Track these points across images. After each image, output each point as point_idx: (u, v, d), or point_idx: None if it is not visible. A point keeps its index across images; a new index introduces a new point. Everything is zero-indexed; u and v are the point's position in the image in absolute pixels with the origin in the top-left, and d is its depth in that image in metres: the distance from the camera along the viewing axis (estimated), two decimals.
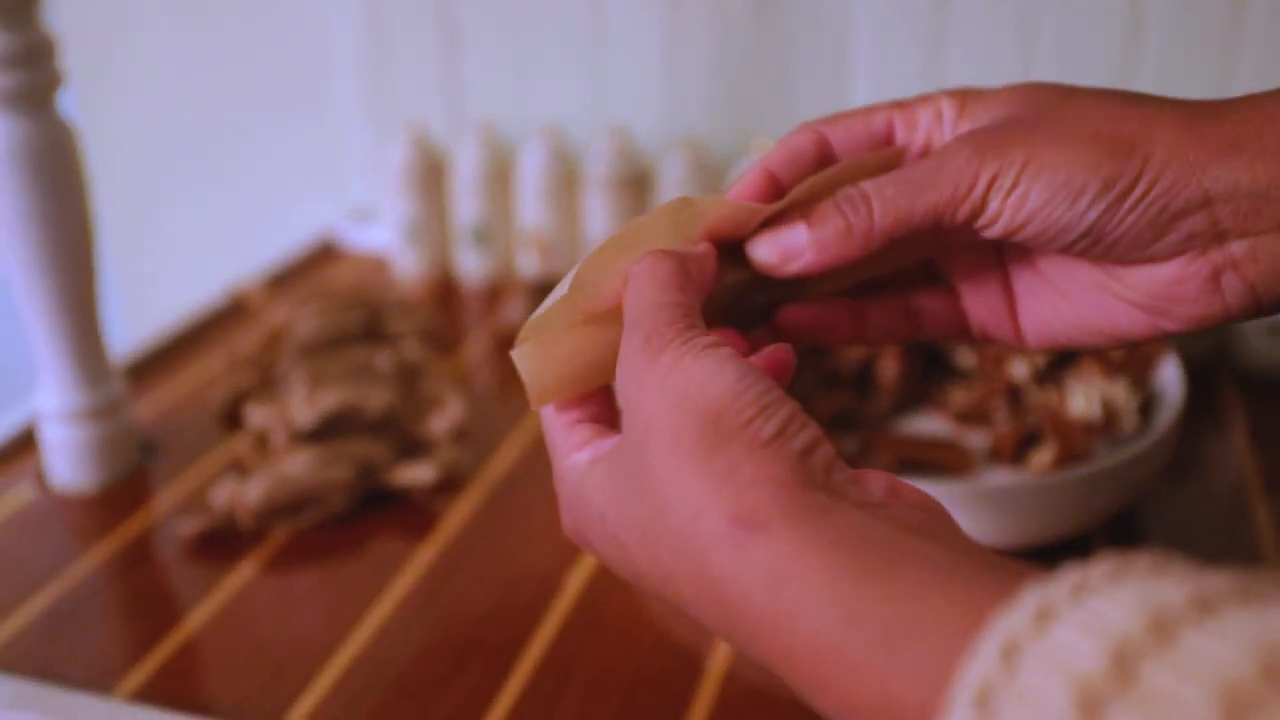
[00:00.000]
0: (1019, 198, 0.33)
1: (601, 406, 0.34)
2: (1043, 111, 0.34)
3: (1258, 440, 0.67)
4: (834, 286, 0.38)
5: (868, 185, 0.34)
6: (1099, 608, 0.20)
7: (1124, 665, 0.19)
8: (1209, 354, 0.74)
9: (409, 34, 0.91)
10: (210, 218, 1.08)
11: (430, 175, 0.86)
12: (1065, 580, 0.21)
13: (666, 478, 0.28)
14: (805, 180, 0.35)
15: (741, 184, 0.36)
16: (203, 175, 1.06)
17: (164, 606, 0.55)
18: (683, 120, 0.86)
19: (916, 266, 0.39)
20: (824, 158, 0.37)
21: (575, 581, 0.55)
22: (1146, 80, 0.74)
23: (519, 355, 0.32)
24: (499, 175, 0.86)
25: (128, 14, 1.02)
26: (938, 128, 0.36)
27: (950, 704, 0.21)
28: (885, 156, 0.37)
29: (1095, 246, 0.34)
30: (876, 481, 0.28)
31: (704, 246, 0.33)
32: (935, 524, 0.27)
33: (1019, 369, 0.62)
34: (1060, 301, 0.37)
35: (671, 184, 0.80)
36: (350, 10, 0.92)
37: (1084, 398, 0.57)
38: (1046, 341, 0.38)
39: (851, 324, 0.38)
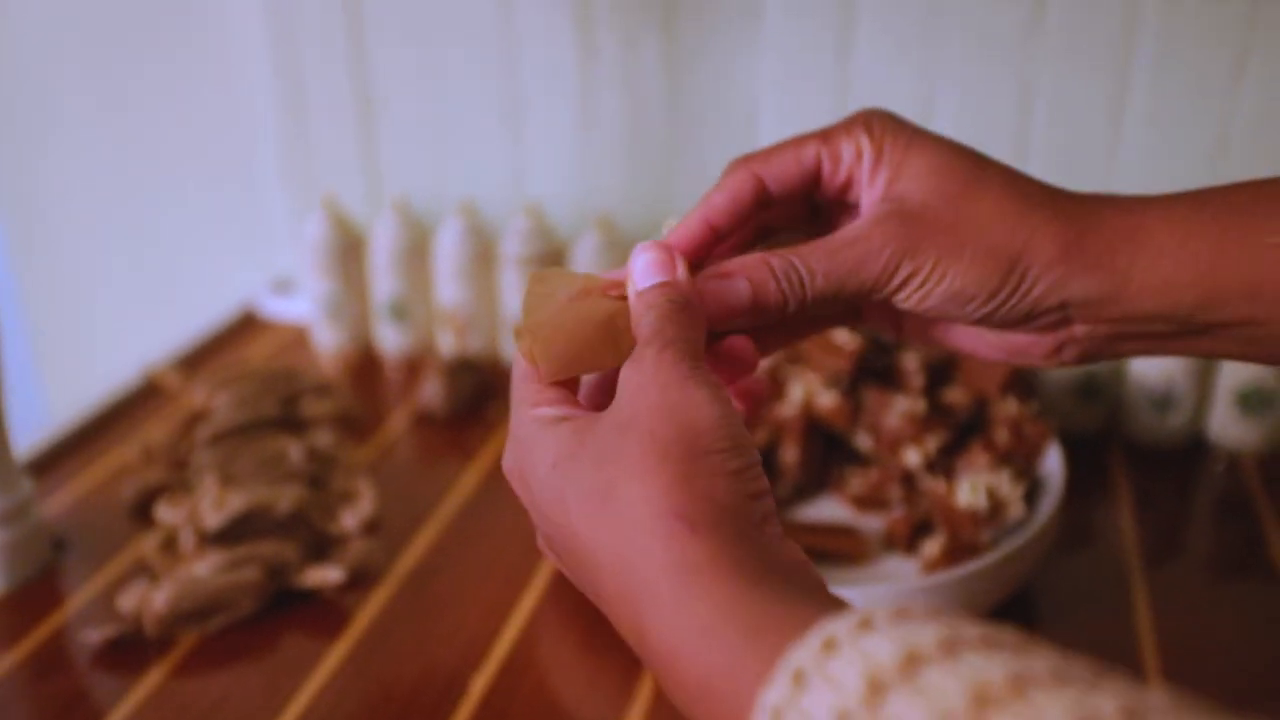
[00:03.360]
0: (925, 295, 0.40)
1: (574, 381, 0.39)
2: (952, 206, 0.39)
3: (1141, 511, 0.70)
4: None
5: (800, 263, 0.39)
6: (869, 643, 0.26)
7: (876, 689, 0.25)
8: (1099, 427, 0.77)
9: (327, 112, 0.91)
10: (133, 287, 1.07)
11: (348, 251, 0.87)
12: (850, 619, 0.27)
13: (633, 460, 0.32)
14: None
15: (681, 232, 0.41)
16: (125, 245, 1.06)
17: (76, 715, 0.55)
18: (596, 199, 0.88)
19: None
20: (760, 200, 0.41)
21: (482, 681, 0.56)
22: (1038, 145, 0.77)
23: (534, 332, 0.37)
24: (417, 251, 0.87)
25: (50, 85, 1.02)
26: (858, 166, 0.41)
27: (760, 691, 0.27)
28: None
29: (972, 323, 0.41)
30: (794, 552, 0.33)
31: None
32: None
33: (912, 457, 0.65)
34: (938, 327, 0.45)
35: (585, 261, 0.82)
36: (270, 85, 0.92)
37: (970, 489, 0.60)
38: (921, 344, 0.46)
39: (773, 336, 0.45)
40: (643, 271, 0.38)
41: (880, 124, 0.41)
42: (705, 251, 0.41)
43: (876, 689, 0.24)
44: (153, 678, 0.57)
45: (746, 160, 0.41)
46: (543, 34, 0.84)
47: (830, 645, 0.26)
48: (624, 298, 0.38)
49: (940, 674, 0.24)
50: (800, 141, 0.41)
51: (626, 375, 0.35)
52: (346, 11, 0.88)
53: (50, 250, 1.09)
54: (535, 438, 0.36)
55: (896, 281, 0.39)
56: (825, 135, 0.41)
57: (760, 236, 0.45)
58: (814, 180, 0.41)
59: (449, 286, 0.86)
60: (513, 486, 0.38)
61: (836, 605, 0.30)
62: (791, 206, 0.44)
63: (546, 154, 0.88)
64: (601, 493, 0.33)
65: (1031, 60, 0.76)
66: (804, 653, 0.26)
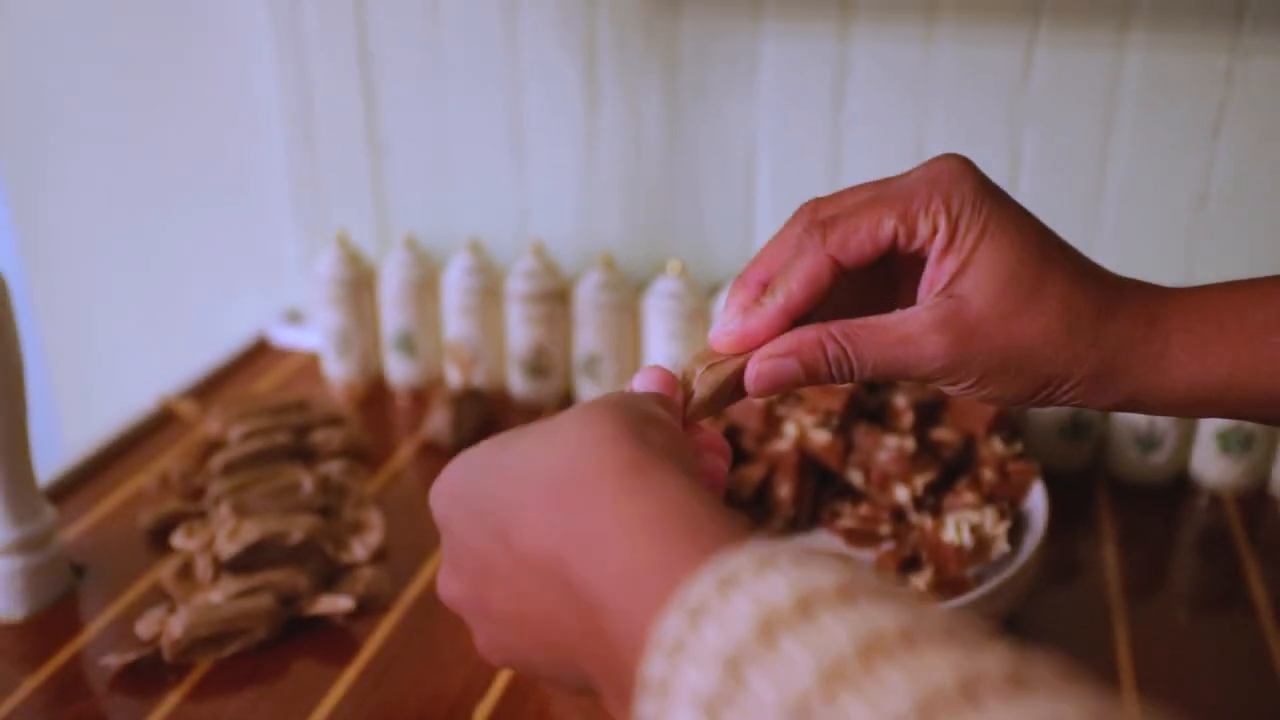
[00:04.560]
0: (964, 395, 0.42)
1: None
2: (1006, 325, 0.40)
3: (1125, 547, 0.73)
4: None
5: (851, 351, 0.40)
6: (764, 583, 0.27)
7: (769, 635, 0.26)
8: (1085, 465, 0.80)
9: (339, 152, 0.95)
10: (147, 320, 1.10)
11: (358, 286, 0.90)
12: (752, 554, 0.28)
13: (582, 409, 0.35)
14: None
15: (760, 324, 0.41)
16: (140, 279, 1.09)
17: None
18: (599, 238, 0.91)
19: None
20: (837, 281, 0.41)
21: (484, 710, 0.58)
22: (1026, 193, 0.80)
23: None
24: (425, 287, 0.90)
25: (64, 124, 1.05)
26: (930, 243, 0.41)
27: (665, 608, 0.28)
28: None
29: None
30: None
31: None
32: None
33: (901, 493, 0.67)
34: None
35: (588, 299, 0.85)
36: (283, 126, 0.95)
37: (954, 526, 0.62)
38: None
39: None
40: (642, 387, 0.40)
41: (960, 197, 0.40)
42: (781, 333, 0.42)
43: (734, 666, 0.25)
44: (169, 702, 0.59)
45: (823, 231, 0.41)
46: (549, 79, 0.87)
47: (729, 582, 0.27)
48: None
49: (793, 644, 0.25)
50: (877, 211, 0.41)
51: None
52: (358, 54, 0.91)
53: (66, 284, 1.12)
54: (482, 445, 0.38)
55: (942, 383, 0.42)
56: (904, 209, 0.41)
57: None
58: (890, 251, 0.41)
59: (456, 321, 0.88)
60: (436, 506, 0.38)
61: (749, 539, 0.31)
62: (862, 276, 0.43)
63: (551, 195, 0.91)
64: (549, 429, 0.35)
65: (1019, 113, 0.78)
66: (702, 587, 0.27)
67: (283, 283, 1.03)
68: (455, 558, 0.37)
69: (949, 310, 0.40)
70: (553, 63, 0.87)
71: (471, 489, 0.36)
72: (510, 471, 0.34)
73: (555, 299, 0.86)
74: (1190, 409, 0.42)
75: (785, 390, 0.42)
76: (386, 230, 0.96)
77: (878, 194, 0.41)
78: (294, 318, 1.02)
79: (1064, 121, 0.78)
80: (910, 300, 0.43)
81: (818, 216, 0.42)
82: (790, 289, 0.41)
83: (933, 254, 0.41)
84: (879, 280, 0.43)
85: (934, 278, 0.41)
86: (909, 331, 0.40)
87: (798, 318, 0.41)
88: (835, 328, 0.41)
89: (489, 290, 0.88)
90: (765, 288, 0.42)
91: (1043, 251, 0.41)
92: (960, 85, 0.79)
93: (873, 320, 0.41)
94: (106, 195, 1.06)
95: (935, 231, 0.40)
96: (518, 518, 0.33)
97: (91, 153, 1.05)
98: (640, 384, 0.40)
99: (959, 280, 0.40)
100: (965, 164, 0.41)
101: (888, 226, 0.40)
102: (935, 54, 0.79)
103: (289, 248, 1.01)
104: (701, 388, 0.41)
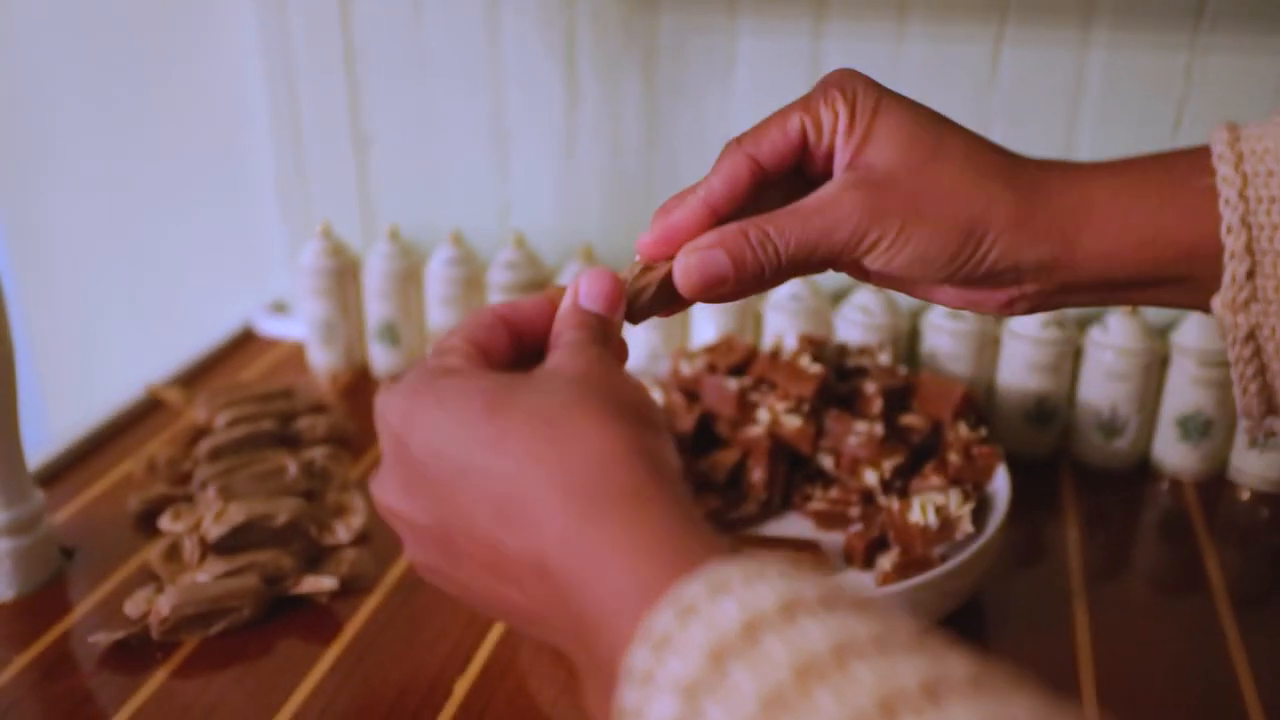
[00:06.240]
0: (890, 259, 0.42)
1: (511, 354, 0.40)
2: (914, 175, 0.42)
3: (1088, 530, 0.75)
4: None
5: (773, 231, 0.42)
6: (752, 590, 0.28)
7: (752, 633, 0.27)
8: (1050, 451, 0.82)
9: (324, 145, 0.96)
10: (134, 310, 1.12)
11: (343, 276, 0.92)
12: (744, 565, 0.29)
13: (591, 404, 0.34)
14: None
15: (683, 216, 0.43)
16: (127, 270, 1.10)
17: (82, 714, 0.59)
18: (579, 230, 0.92)
19: None
20: (757, 180, 0.43)
21: (464, 685, 0.60)
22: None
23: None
24: (408, 278, 0.91)
25: (53, 114, 1.06)
26: (834, 134, 0.43)
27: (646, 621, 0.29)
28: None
29: (937, 283, 0.44)
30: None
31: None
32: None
33: (870, 477, 0.69)
34: (904, 282, 0.46)
35: None
36: (269, 119, 0.97)
37: (920, 508, 0.64)
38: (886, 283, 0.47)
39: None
40: (589, 295, 0.40)
41: (852, 87, 0.43)
42: (707, 228, 0.43)
43: (718, 659, 0.26)
44: (156, 679, 0.61)
45: (739, 142, 0.43)
46: (530, 75, 0.89)
47: (720, 587, 0.28)
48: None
49: (774, 641, 0.26)
50: (784, 113, 0.43)
51: (563, 358, 0.37)
52: (342, 49, 0.93)
53: (55, 273, 1.13)
54: (454, 378, 0.36)
55: (864, 246, 0.42)
56: (806, 103, 0.43)
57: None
58: (802, 152, 0.43)
59: (439, 312, 0.90)
60: (392, 422, 0.37)
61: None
62: (786, 185, 0.45)
63: (532, 187, 0.93)
64: (553, 423, 0.33)
65: (987, 109, 0.81)
66: (693, 589, 0.28)
67: (268, 274, 1.04)
68: (409, 483, 0.37)
69: (858, 175, 0.42)
70: (534, 59, 0.89)
71: (456, 446, 0.35)
72: (509, 455, 0.34)
73: (536, 289, 0.88)
74: (1117, 269, 0.42)
75: (717, 290, 0.42)
76: (371, 222, 0.98)
77: (784, 107, 0.44)
78: (279, 308, 1.04)
79: (1030, 117, 0.80)
80: None
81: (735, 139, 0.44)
82: (710, 183, 0.43)
83: (839, 141, 0.43)
84: (802, 191, 0.45)
85: (841, 160, 0.43)
86: (823, 198, 0.42)
87: (721, 217, 0.43)
88: (755, 218, 0.42)
89: (471, 281, 0.90)
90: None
91: (936, 120, 0.43)
92: (930, 81, 0.81)
93: (790, 205, 0.42)
94: (95, 187, 1.08)
95: (836, 118, 0.43)
96: (517, 508, 0.33)
97: (79, 146, 1.06)
98: (588, 289, 0.40)
99: (863, 151, 0.42)
100: (854, 70, 0.44)
101: (794, 120, 0.43)
102: (906, 51, 0.81)
103: (275, 239, 1.02)
104: (634, 290, 0.42)
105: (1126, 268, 0.42)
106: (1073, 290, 0.43)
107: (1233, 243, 0.40)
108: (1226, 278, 0.41)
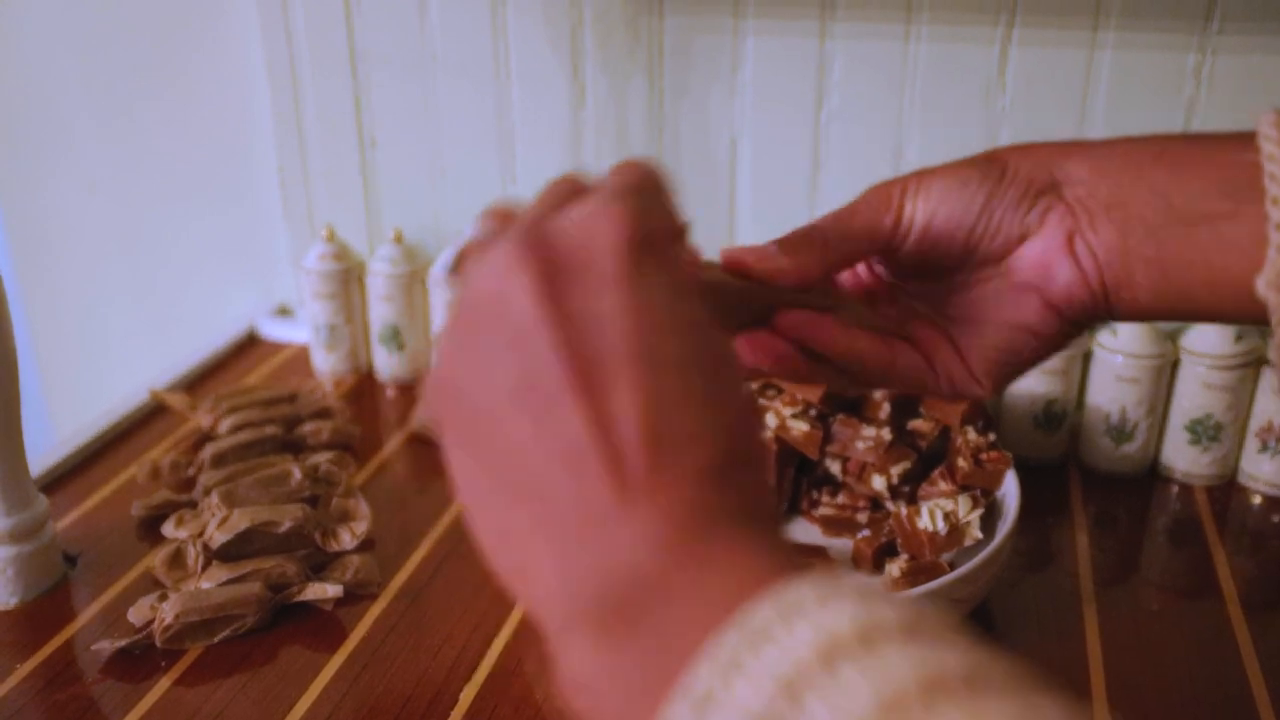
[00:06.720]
0: (924, 197, 0.43)
1: None
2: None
3: (1097, 534, 0.74)
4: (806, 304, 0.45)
5: (811, 225, 0.43)
6: (828, 612, 0.25)
7: (830, 659, 0.24)
8: (1059, 455, 0.82)
9: (329, 149, 0.96)
10: (137, 314, 1.11)
11: (347, 280, 0.91)
12: (816, 586, 0.26)
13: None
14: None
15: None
16: (131, 274, 1.10)
17: None
18: None
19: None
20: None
21: (470, 692, 0.60)
22: None
23: None
24: (414, 281, 0.91)
25: (55, 119, 1.06)
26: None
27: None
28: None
29: (987, 231, 0.43)
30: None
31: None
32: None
33: (878, 483, 0.69)
34: (984, 327, 0.45)
35: None
36: (273, 122, 0.97)
37: (929, 514, 0.64)
38: (991, 370, 0.45)
39: (846, 338, 0.44)
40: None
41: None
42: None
43: (829, 656, 0.24)
44: (160, 687, 0.60)
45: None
46: (535, 77, 0.89)
47: (793, 609, 0.26)
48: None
49: (897, 653, 0.24)
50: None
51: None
52: (347, 51, 0.92)
53: (58, 277, 1.13)
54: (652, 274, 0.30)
55: (895, 197, 0.43)
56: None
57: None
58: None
59: (443, 315, 0.90)
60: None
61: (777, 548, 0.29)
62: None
63: (538, 189, 0.92)
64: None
65: (995, 109, 0.80)
66: (764, 612, 0.26)
67: (273, 277, 1.04)
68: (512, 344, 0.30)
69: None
70: (539, 60, 0.88)
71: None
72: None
73: None
74: (1129, 232, 0.41)
75: (768, 263, 0.42)
76: (375, 226, 0.97)
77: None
78: (284, 312, 1.03)
79: (1038, 117, 0.80)
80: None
81: None
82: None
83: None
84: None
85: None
86: (849, 204, 0.44)
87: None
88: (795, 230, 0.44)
89: None
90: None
91: None
92: (938, 82, 0.80)
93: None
94: (98, 190, 1.07)
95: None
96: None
97: (83, 148, 1.06)
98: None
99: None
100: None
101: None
102: (913, 52, 0.80)
103: (279, 243, 1.02)
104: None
105: (1169, 191, 0.41)
106: (1127, 223, 0.41)
107: (1277, 214, 0.39)
108: (1271, 252, 0.39)
